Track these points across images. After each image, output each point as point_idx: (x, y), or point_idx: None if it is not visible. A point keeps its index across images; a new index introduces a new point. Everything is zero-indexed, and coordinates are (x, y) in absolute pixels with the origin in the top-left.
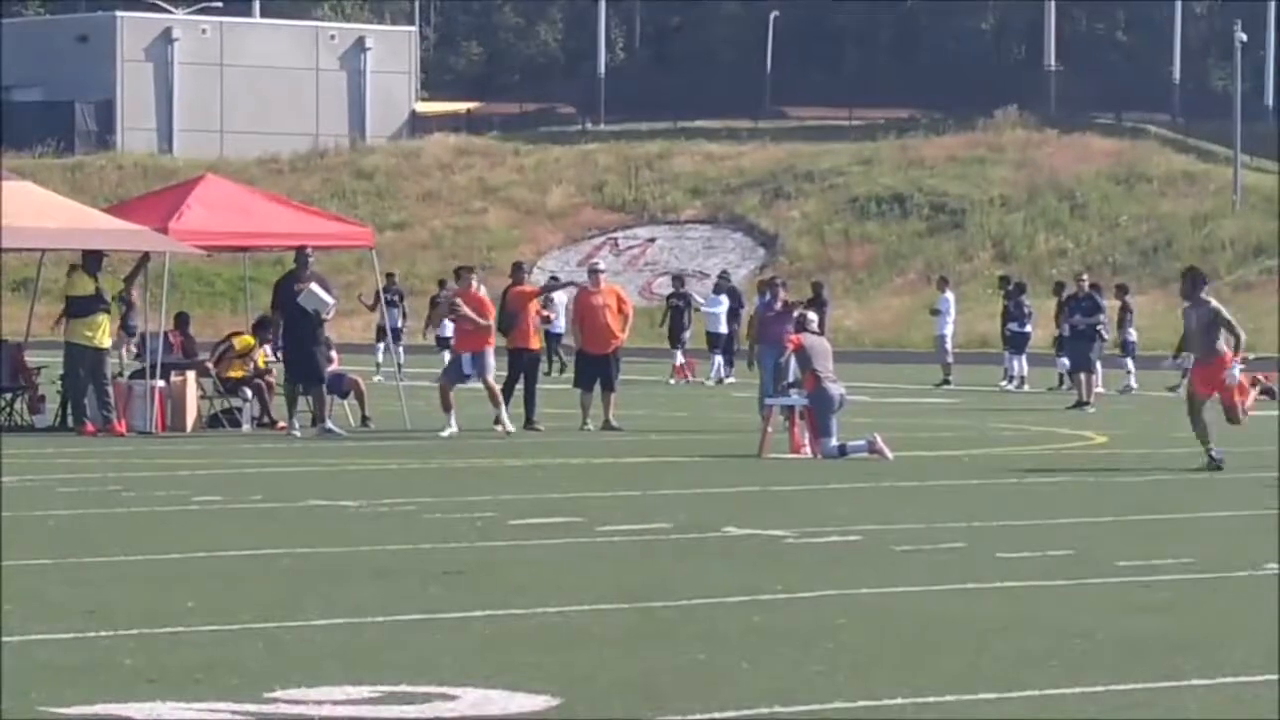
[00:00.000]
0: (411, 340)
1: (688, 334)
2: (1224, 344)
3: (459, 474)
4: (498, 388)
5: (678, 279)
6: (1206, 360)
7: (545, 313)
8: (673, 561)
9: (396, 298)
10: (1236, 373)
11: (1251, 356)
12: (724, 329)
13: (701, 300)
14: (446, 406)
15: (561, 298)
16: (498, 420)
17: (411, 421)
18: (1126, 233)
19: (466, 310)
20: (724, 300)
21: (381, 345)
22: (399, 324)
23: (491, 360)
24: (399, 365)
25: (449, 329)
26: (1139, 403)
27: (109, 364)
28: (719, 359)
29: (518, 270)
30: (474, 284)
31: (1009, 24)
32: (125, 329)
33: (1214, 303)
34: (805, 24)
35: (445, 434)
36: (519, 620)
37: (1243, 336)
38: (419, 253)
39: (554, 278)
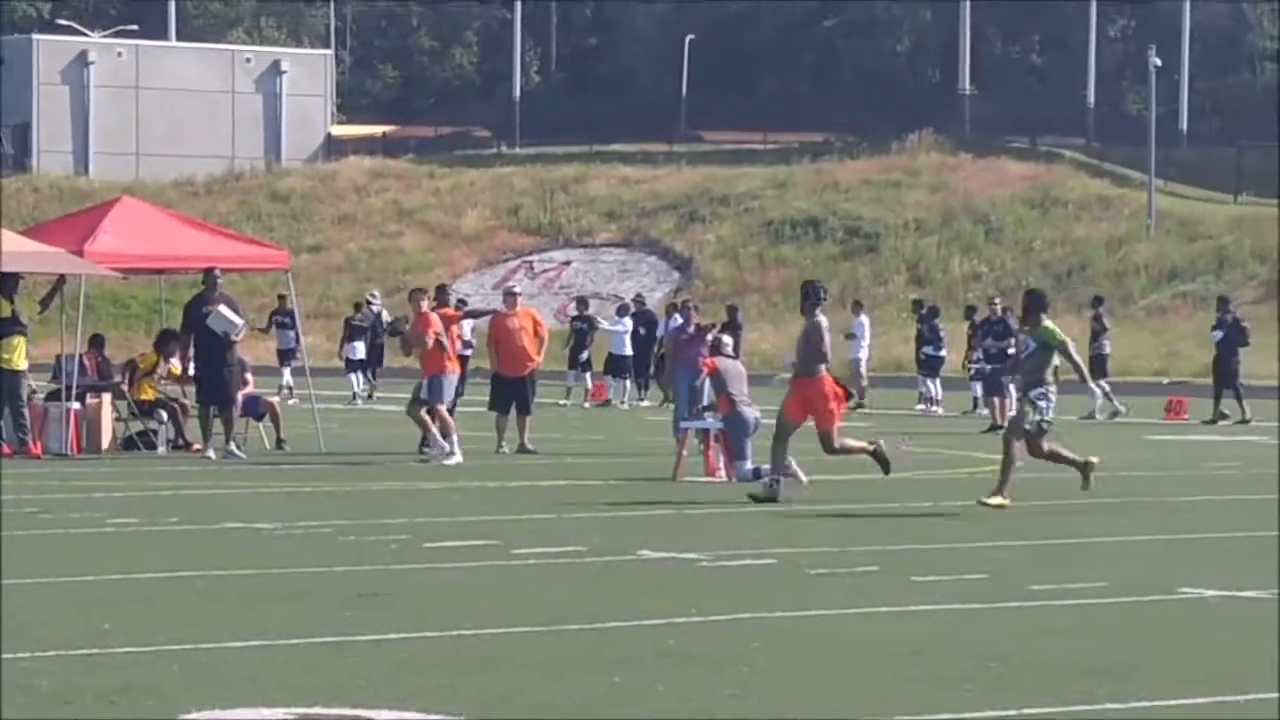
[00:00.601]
0: (324, 363)
1: (585, 354)
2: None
3: (374, 497)
4: (450, 418)
5: (581, 301)
6: (807, 376)
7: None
8: (588, 584)
9: (288, 319)
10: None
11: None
12: (628, 351)
13: (605, 322)
14: (426, 431)
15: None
16: (428, 444)
17: (326, 444)
18: (1041, 257)
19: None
20: (627, 323)
21: (288, 369)
22: (292, 345)
23: (448, 386)
24: (288, 386)
25: (360, 351)
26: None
27: (25, 386)
28: (628, 383)
29: (442, 292)
30: (423, 305)
31: (924, 47)
32: None
33: (821, 320)
34: (720, 47)
35: (451, 462)
36: (434, 643)
37: (846, 359)
38: (334, 275)
39: (461, 302)
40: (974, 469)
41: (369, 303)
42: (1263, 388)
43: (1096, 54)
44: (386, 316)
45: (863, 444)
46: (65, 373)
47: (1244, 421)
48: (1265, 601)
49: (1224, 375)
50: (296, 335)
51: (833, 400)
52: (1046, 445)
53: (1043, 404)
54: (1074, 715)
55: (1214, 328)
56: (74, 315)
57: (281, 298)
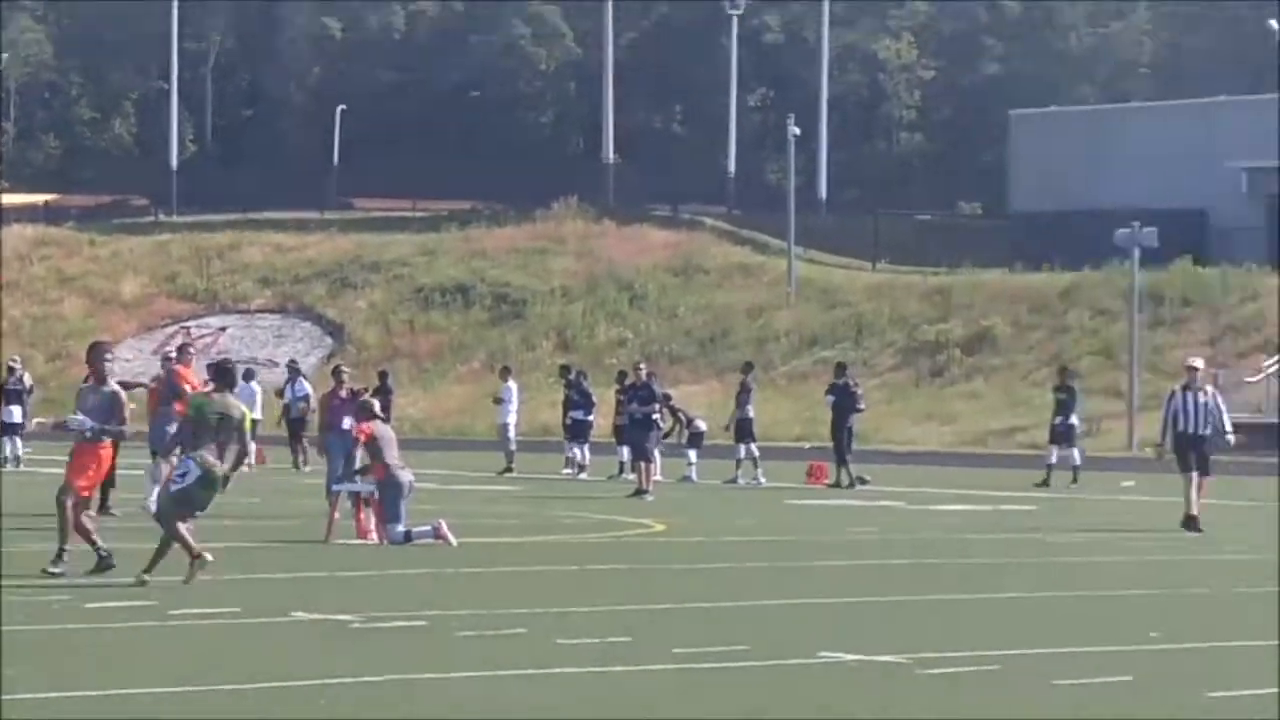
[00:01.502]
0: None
1: None
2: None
3: (40, 559)
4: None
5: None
6: (92, 441)
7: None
8: (241, 645)
9: (19, 387)
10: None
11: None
12: (258, 415)
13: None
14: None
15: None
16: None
17: None
18: (684, 323)
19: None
20: (255, 387)
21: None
22: (18, 419)
23: None
24: (17, 457)
25: (15, 415)
26: (697, 492)
27: None
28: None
29: (95, 350)
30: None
31: (568, 117)
32: None
33: (118, 389)
34: (371, 117)
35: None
36: (87, 702)
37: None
38: None
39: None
40: (620, 532)
41: (10, 369)
42: (901, 453)
43: (736, 123)
44: (28, 380)
45: (92, 531)
46: None
47: (851, 485)
48: (903, 666)
49: (837, 439)
50: (24, 410)
51: (93, 468)
52: (179, 525)
53: (178, 477)
54: None
55: (827, 392)
56: None
57: (10, 368)
